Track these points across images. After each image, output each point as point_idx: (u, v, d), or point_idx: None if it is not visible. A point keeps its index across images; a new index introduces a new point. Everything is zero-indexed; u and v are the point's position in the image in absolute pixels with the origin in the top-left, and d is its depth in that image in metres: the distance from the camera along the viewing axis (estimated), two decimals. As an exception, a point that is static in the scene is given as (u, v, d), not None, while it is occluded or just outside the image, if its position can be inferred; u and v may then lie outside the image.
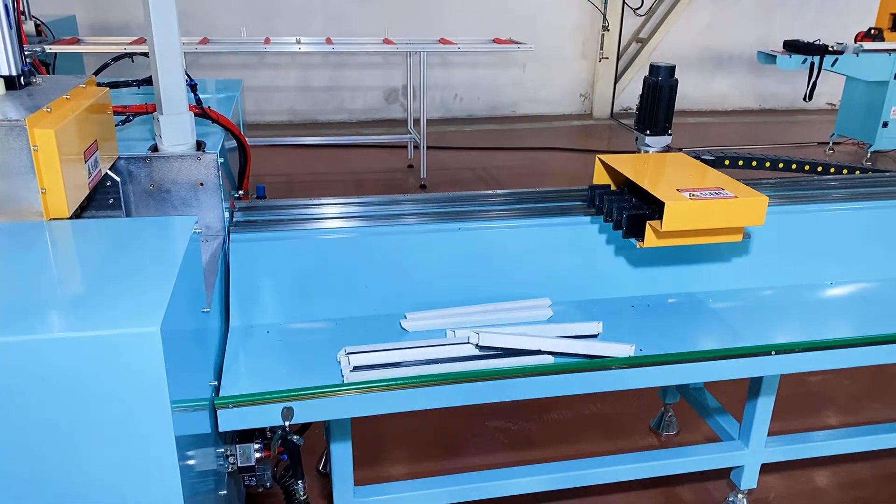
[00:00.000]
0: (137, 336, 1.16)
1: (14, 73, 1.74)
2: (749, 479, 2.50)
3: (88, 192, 1.77)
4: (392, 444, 2.96)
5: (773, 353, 2.03)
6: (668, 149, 2.57)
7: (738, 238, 2.16)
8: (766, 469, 2.56)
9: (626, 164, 2.32)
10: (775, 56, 6.83)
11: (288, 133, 7.65)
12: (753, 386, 2.39)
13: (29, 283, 1.33)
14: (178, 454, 1.29)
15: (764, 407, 2.39)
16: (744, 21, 9.36)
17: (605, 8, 8.75)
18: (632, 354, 1.96)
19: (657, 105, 2.49)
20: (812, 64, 6.72)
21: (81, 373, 1.18)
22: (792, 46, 6.84)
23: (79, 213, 1.72)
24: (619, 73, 9.16)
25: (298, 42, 6.27)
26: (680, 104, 9.60)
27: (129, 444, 1.24)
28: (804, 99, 6.88)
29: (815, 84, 6.76)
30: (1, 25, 1.71)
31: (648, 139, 2.54)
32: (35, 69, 1.90)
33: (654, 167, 2.36)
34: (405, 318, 2.17)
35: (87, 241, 1.53)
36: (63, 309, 1.25)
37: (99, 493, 1.27)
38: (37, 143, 1.53)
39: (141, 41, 6.05)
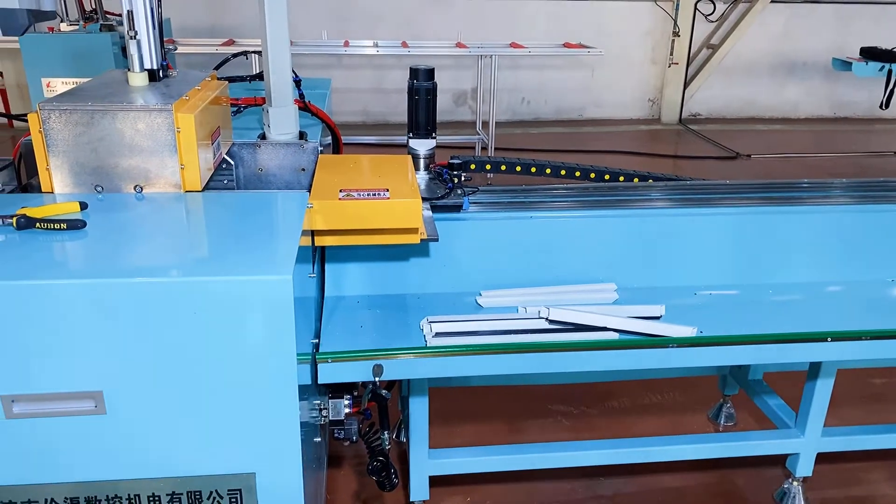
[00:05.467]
0: (274, 282, 1.39)
1: (156, 67, 2.03)
2: (804, 467, 2.59)
3: (213, 170, 2.04)
4: (457, 423, 3.15)
5: (829, 339, 2.14)
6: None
7: (416, 240, 2.07)
8: (821, 459, 2.64)
9: (330, 162, 2.32)
10: (851, 63, 6.75)
11: (361, 132, 7.96)
12: (811, 375, 2.49)
13: (178, 240, 1.59)
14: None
15: (821, 395, 2.48)
16: (820, 28, 9.20)
17: (677, 13, 8.76)
18: (693, 335, 2.10)
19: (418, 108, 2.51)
20: (890, 71, 6.61)
21: (224, 312, 1.40)
22: (869, 53, 6.74)
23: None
24: (688, 78, 9.14)
25: (376, 45, 6.58)
26: (749, 111, 9.53)
27: (258, 384, 1.46)
28: (880, 107, 6.77)
29: (892, 92, 6.65)
30: (147, 25, 1.99)
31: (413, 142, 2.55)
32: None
33: (353, 167, 2.29)
34: (480, 295, 2.37)
35: (219, 209, 1.79)
36: (209, 258, 1.50)
37: (226, 429, 1.49)
38: (179, 126, 1.80)
39: (230, 43, 6.47)
